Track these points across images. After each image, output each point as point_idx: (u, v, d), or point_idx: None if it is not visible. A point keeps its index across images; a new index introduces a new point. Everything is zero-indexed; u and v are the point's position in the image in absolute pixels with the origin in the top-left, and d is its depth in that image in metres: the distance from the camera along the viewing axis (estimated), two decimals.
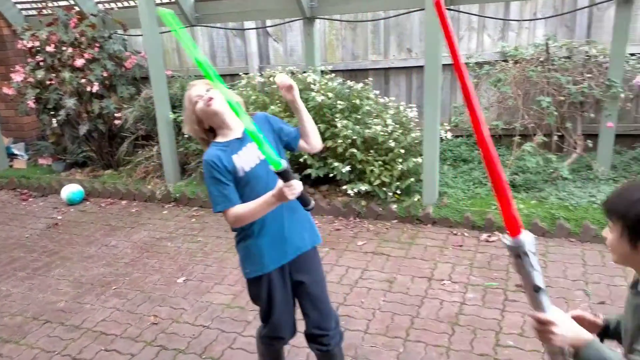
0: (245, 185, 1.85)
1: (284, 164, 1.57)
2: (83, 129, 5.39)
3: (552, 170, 4.23)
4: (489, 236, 3.78)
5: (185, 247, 4.02)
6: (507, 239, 0.99)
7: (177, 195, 4.97)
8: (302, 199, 1.67)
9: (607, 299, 2.89)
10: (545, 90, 4.28)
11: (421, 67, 4.21)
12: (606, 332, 1.36)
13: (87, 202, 5.31)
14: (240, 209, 1.79)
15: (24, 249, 4.20)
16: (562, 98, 4.23)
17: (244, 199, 1.82)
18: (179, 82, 5.49)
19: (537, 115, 4.38)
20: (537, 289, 1.01)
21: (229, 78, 6.12)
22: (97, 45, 5.38)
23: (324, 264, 3.52)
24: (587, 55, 4.42)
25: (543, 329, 1.06)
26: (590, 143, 4.36)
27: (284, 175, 1.59)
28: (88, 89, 5.22)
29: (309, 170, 4.34)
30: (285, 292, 2.00)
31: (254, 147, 1.81)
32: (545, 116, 4.21)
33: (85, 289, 3.44)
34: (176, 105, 5.26)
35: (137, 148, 5.79)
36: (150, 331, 2.88)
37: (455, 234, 3.89)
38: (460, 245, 3.70)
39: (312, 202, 1.71)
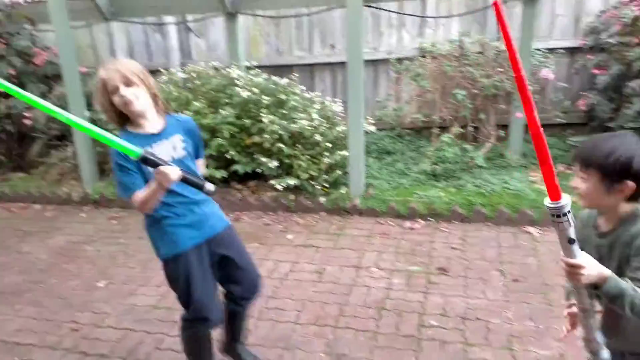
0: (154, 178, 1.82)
1: (142, 152, 1.64)
2: None
3: (468, 160, 4.47)
4: (413, 224, 3.93)
5: (106, 250, 3.84)
6: (549, 203, 1.14)
7: (96, 196, 4.74)
8: (190, 183, 1.78)
9: (520, 277, 3.09)
10: (461, 84, 4.51)
11: (345, 62, 4.30)
12: None
13: None
14: (139, 194, 1.84)
15: None
16: (476, 91, 4.48)
17: None
18: (95, 80, 5.23)
19: (453, 107, 4.61)
20: (571, 241, 1.20)
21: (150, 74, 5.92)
22: (3, 41, 5.02)
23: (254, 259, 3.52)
24: (498, 51, 4.70)
25: (574, 271, 1.24)
26: (502, 133, 4.64)
27: (147, 163, 1.68)
28: None
29: (235, 167, 4.30)
30: (204, 270, 2.03)
31: (170, 145, 1.93)
32: (461, 109, 4.44)
33: None
34: (91, 103, 5.01)
35: (51, 149, 5.46)
36: (71, 338, 2.73)
37: (381, 223, 4.00)
38: (386, 234, 3.81)
39: (209, 186, 1.81)
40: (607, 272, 1.28)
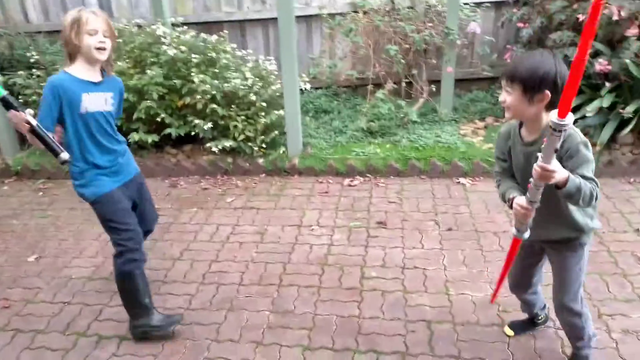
0: (83, 123, 2.14)
1: (4, 94, 1.87)
2: None
3: (403, 115, 4.55)
4: (351, 181, 3.99)
5: (33, 223, 3.63)
6: (556, 119, 1.35)
7: (18, 168, 4.43)
8: (45, 144, 1.94)
9: (454, 225, 3.24)
10: (393, 39, 4.53)
11: (277, 19, 4.17)
12: None
13: None
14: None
15: None
16: (408, 46, 4.52)
17: (79, 133, 2.15)
18: (5, 40, 4.80)
19: (387, 64, 4.64)
20: (556, 150, 1.44)
21: None
22: None
23: (193, 224, 3.47)
24: (428, 5, 4.73)
25: (548, 174, 1.48)
26: (434, 88, 4.74)
27: (3, 104, 1.88)
28: None
29: (168, 130, 4.14)
30: (127, 204, 2.34)
31: (102, 98, 2.19)
32: (394, 64, 4.48)
33: None
34: (4, 67, 4.62)
35: None
36: (2, 316, 2.59)
37: (321, 182, 4.03)
38: (326, 192, 3.85)
39: (62, 155, 1.95)
40: (567, 173, 1.53)
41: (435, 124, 4.61)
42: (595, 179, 1.59)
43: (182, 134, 4.19)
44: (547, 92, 1.57)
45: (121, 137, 2.35)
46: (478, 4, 4.83)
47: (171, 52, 4.02)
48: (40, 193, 4.16)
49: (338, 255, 2.98)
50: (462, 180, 3.88)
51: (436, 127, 4.50)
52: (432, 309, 2.46)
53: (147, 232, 2.56)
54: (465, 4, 4.69)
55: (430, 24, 4.58)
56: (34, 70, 4.39)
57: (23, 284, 2.88)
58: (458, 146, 4.12)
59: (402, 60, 4.46)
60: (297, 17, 4.50)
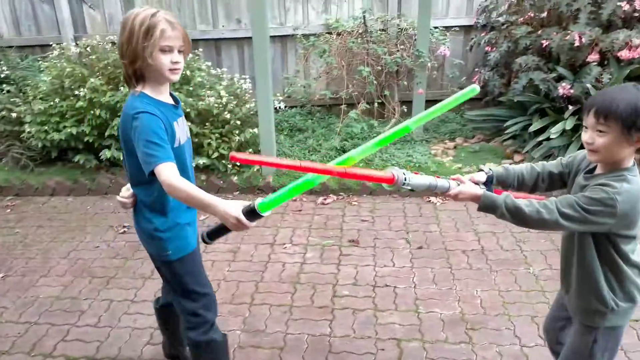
0: (178, 161, 1.60)
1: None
2: None
3: (375, 135, 4.63)
4: (325, 199, 4.04)
5: (0, 240, 3.55)
6: None
7: None
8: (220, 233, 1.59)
9: (424, 244, 3.30)
10: (366, 60, 4.63)
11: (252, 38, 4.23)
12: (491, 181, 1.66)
13: None
14: (185, 183, 1.52)
15: None
16: (380, 68, 4.63)
17: None
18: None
19: (360, 84, 4.74)
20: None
21: (39, 49, 5.45)
22: None
23: None
24: (399, 28, 4.87)
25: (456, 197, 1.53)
26: (405, 109, 4.85)
27: (252, 215, 1.44)
28: None
29: None
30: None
31: (184, 122, 1.75)
32: (366, 85, 4.57)
33: None
34: None
35: None
36: None
37: (295, 200, 4.06)
38: (300, 210, 3.88)
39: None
40: (479, 192, 1.51)
41: (407, 143, 4.71)
42: (564, 210, 1.38)
43: None
44: None
45: None
46: (447, 28, 4.99)
47: None
48: (8, 210, 4.07)
49: (311, 274, 3.00)
50: (432, 199, 3.96)
51: (408, 147, 4.60)
52: (401, 327, 2.49)
53: None
54: (435, 27, 4.84)
55: (402, 47, 4.71)
56: (4, 85, 4.33)
57: None
58: (429, 165, 4.21)
59: (375, 81, 4.56)
60: (272, 36, 4.57)
